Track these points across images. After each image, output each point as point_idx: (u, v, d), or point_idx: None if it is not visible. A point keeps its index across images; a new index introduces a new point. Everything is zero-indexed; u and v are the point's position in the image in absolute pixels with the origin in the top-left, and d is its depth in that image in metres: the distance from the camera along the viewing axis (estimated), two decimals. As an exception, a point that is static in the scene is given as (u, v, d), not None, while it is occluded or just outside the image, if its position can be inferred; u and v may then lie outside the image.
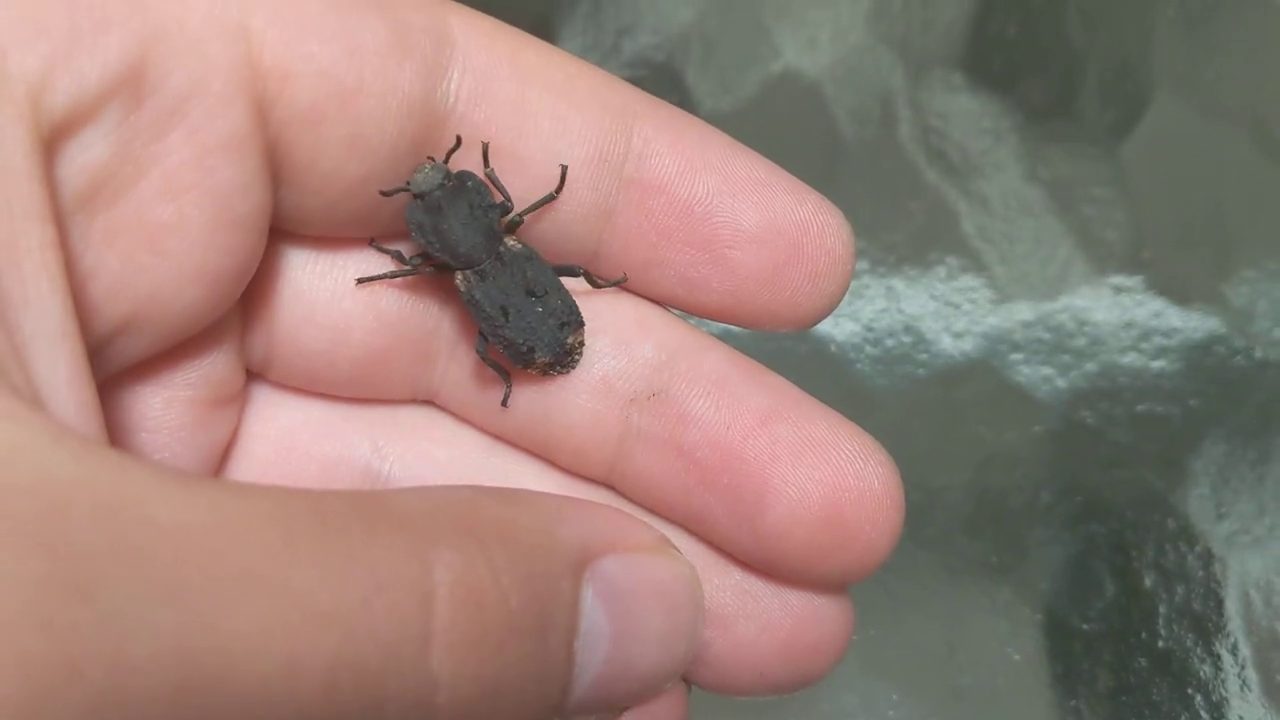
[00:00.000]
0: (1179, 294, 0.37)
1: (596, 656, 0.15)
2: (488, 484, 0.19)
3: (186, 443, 0.18)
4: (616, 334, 0.19)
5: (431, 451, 0.19)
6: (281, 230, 0.18)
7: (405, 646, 0.12)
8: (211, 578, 0.11)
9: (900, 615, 0.34)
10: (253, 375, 0.19)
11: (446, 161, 0.18)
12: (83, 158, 0.15)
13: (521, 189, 0.18)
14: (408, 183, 0.18)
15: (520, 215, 0.19)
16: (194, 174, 0.15)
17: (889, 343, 0.37)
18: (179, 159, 0.15)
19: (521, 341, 0.19)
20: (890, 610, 0.34)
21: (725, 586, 0.18)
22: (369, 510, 0.13)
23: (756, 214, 0.18)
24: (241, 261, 0.17)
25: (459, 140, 0.17)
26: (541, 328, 0.19)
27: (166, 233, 0.15)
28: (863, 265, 0.38)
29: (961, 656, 0.34)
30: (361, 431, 0.19)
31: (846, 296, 0.38)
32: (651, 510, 0.18)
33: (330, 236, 0.18)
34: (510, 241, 0.19)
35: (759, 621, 0.18)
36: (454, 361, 0.19)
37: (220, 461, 0.19)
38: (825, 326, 0.37)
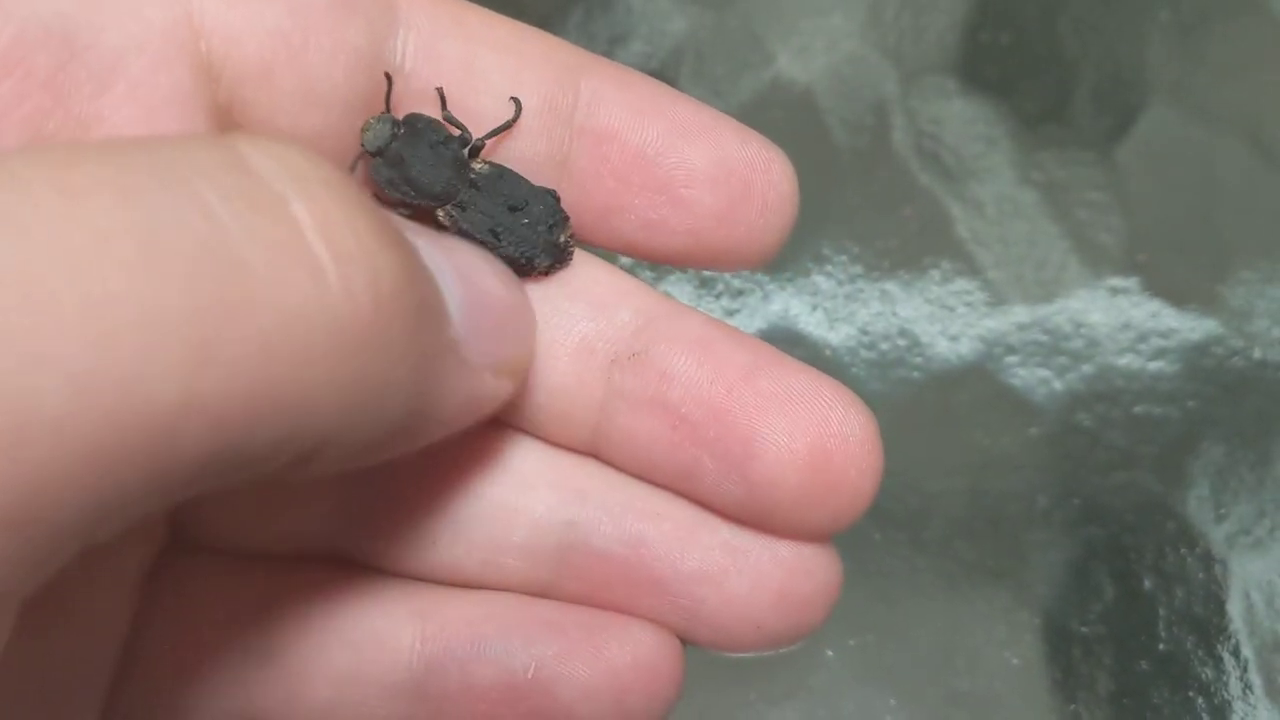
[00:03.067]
0: (1175, 296, 0.37)
1: (449, 277, 0.16)
2: (471, 463, 0.19)
3: None
4: (593, 300, 0.19)
5: None
6: None
7: (214, 162, 0.12)
8: None
9: (897, 620, 0.34)
10: None
11: (388, 110, 0.18)
12: (19, 111, 0.15)
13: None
14: (363, 145, 0.18)
15: (481, 140, 0.19)
16: (139, 132, 0.16)
17: (884, 347, 0.37)
18: (125, 116, 0.15)
19: (520, 255, 0.19)
20: (887, 615, 0.34)
21: (715, 545, 0.18)
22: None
23: (707, 154, 0.18)
24: None
25: (389, 78, 0.18)
26: (533, 236, 0.19)
27: None
28: (857, 270, 0.38)
29: (959, 661, 0.33)
30: None
31: (841, 300, 0.38)
32: (638, 474, 0.19)
33: None
34: (478, 166, 0.19)
35: (751, 576, 0.18)
36: None
37: None
38: (820, 331, 0.37)
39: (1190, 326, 0.37)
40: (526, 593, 0.18)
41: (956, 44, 0.41)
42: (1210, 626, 0.33)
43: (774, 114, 0.40)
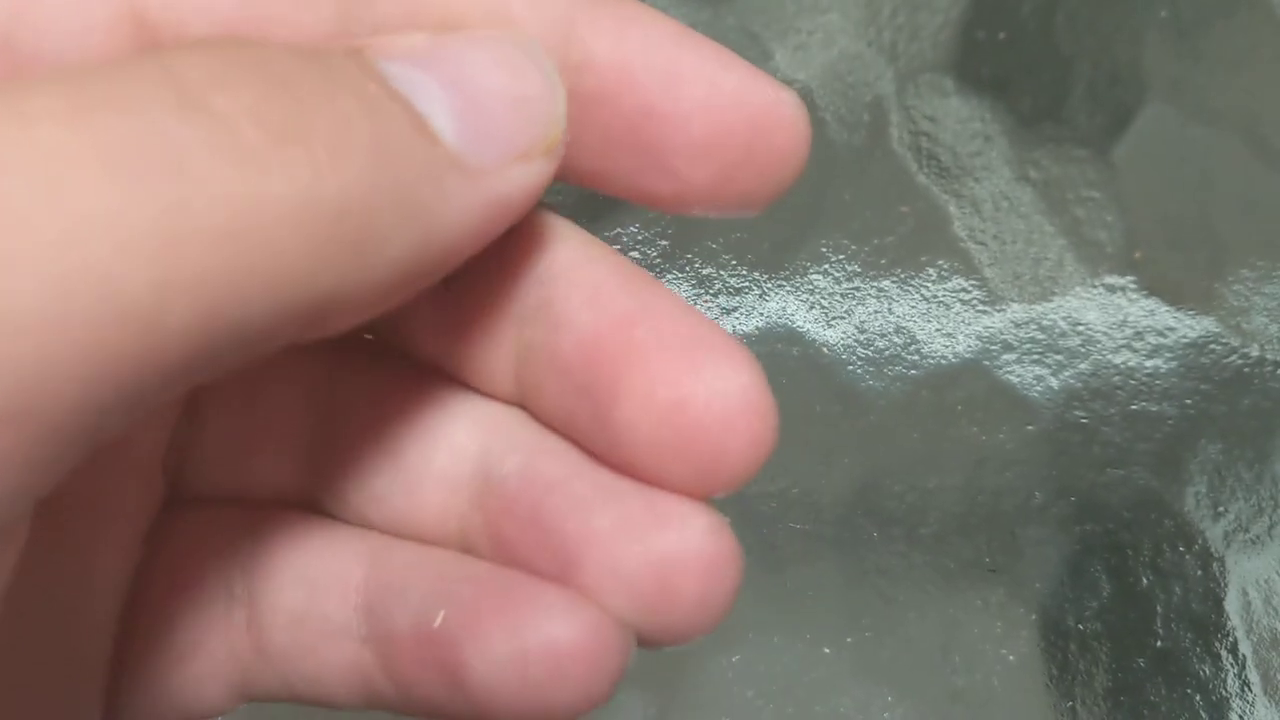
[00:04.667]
0: (1172, 294, 0.37)
1: (428, 89, 0.15)
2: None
3: None
4: (511, 249, 0.18)
5: None
6: None
7: (145, 77, 0.13)
8: None
9: (894, 617, 0.34)
10: None
11: None
12: None
13: None
14: None
15: None
16: None
17: (880, 344, 0.37)
18: None
19: None
20: (883, 612, 0.34)
21: (585, 494, 0.17)
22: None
23: (704, 122, 0.16)
24: None
25: None
26: None
27: None
28: (854, 268, 0.38)
29: (956, 658, 0.33)
30: None
31: (839, 298, 0.38)
32: (553, 426, 0.18)
33: None
34: None
35: (610, 519, 0.16)
36: None
37: None
38: (817, 328, 0.37)
39: (1187, 324, 0.37)
40: (450, 531, 0.18)
41: (953, 42, 0.41)
42: (1208, 624, 0.33)
43: (771, 112, 0.40)
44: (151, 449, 0.19)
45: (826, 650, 0.33)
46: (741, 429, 0.16)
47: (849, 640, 0.33)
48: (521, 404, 0.18)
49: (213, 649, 0.18)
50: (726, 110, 0.16)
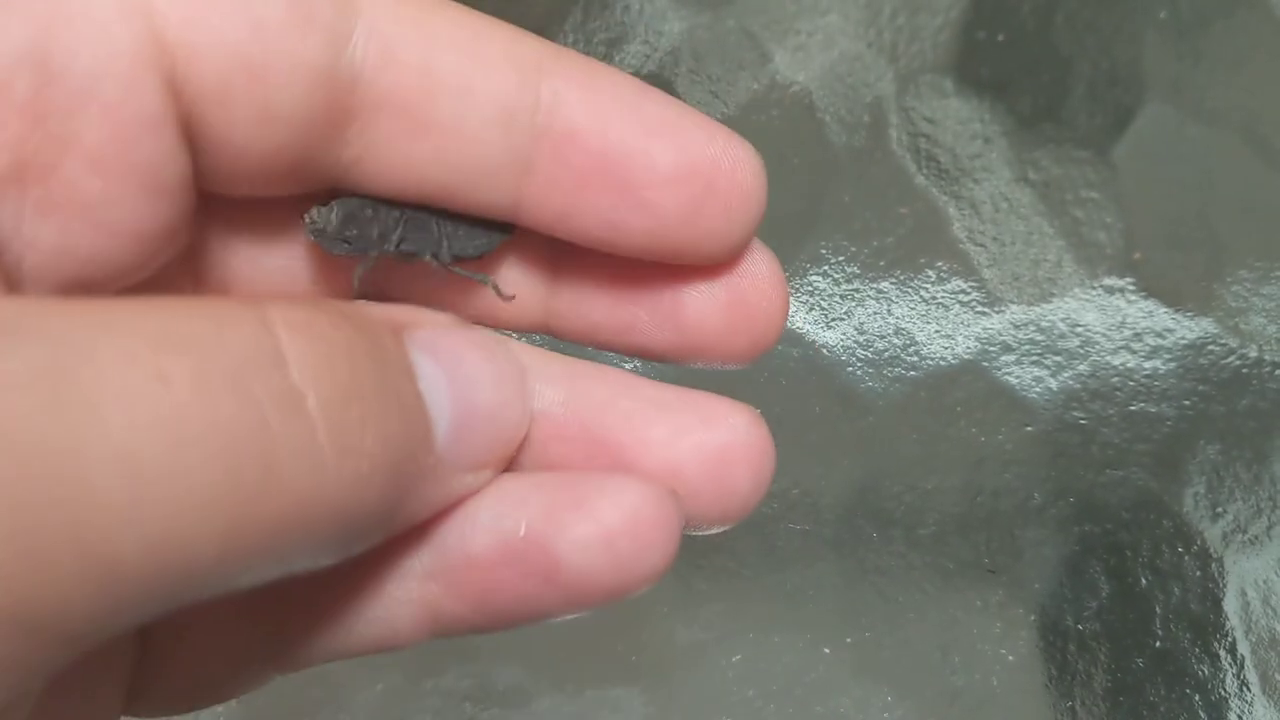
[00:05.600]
0: (1171, 295, 0.37)
1: (442, 397, 0.17)
2: None
3: None
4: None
5: None
6: (210, 193, 0.19)
7: (261, 358, 0.14)
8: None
9: (893, 617, 0.34)
10: None
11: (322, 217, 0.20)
12: (1, 137, 0.16)
13: (430, 150, 0.19)
14: (309, 234, 0.19)
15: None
16: (115, 150, 0.16)
17: (880, 345, 0.37)
18: (98, 136, 0.16)
19: (471, 250, 0.20)
20: (883, 612, 0.34)
21: (636, 404, 0.19)
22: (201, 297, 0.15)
23: (671, 155, 0.18)
24: (175, 220, 0.17)
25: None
26: (463, 222, 0.20)
27: (98, 204, 0.16)
28: (854, 269, 0.38)
29: (956, 658, 0.33)
30: None
31: (838, 300, 0.38)
32: (585, 338, 0.20)
33: (257, 196, 0.19)
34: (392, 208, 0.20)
35: (670, 426, 0.19)
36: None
37: None
38: (817, 330, 0.37)
39: (1186, 325, 0.37)
40: None
41: (952, 43, 0.41)
42: (1206, 624, 0.33)
43: (771, 114, 0.40)
44: None
45: (826, 650, 0.34)
46: (776, 299, 0.19)
47: (849, 640, 0.34)
48: (546, 329, 0.20)
49: (246, 632, 0.19)
50: (690, 147, 0.18)
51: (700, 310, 0.19)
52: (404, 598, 0.19)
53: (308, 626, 0.19)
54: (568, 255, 0.20)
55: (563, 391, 0.19)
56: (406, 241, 0.20)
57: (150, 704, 0.19)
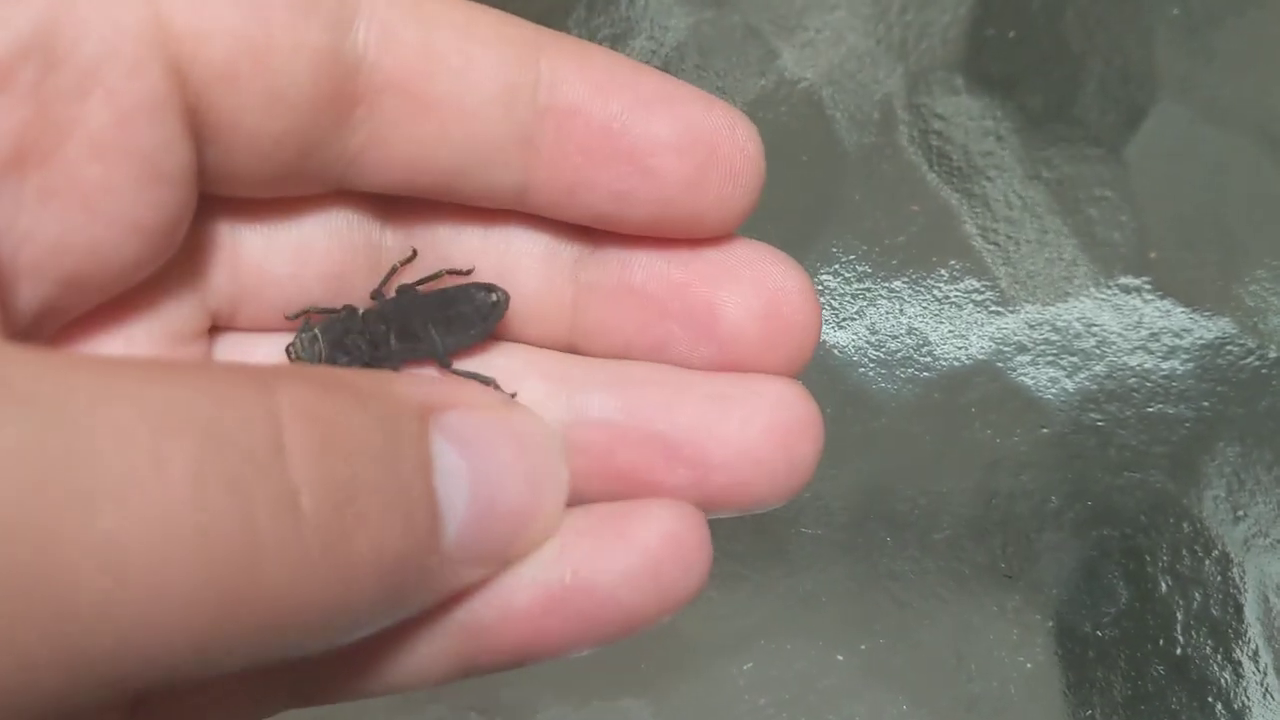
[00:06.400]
0: (1187, 294, 0.37)
1: (459, 494, 0.16)
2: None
3: None
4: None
5: None
6: (213, 195, 0.18)
7: (261, 452, 0.14)
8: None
9: (908, 623, 0.33)
10: (220, 328, 0.20)
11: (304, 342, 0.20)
12: (5, 124, 0.15)
13: (435, 131, 0.19)
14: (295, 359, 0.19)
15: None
16: (117, 135, 0.16)
17: (892, 345, 0.36)
18: (100, 121, 0.16)
19: (466, 340, 0.20)
20: (897, 618, 0.33)
21: (700, 396, 0.19)
22: (210, 365, 0.15)
23: (672, 123, 0.19)
24: (174, 214, 0.17)
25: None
26: (462, 295, 0.20)
27: (97, 193, 0.16)
28: (865, 269, 0.37)
29: (971, 664, 0.33)
30: None
31: (849, 299, 0.38)
32: (612, 354, 0.20)
33: (260, 197, 0.19)
34: (374, 304, 0.20)
35: (738, 414, 0.19)
36: (407, 269, 0.21)
37: None
38: (827, 330, 0.37)
39: (1203, 325, 0.36)
40: None
41: (962, 39, 0.40)
42: (1228, 630, 0.33)
43: (779, 110, 0.40)
44: None
45: (839, 657, 0.33)
46: (809, 310, 0.19)
47: (862, 646, 0.33)
48: (573, 346, 0.20)
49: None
50: (691, 116, 0.19)
51: (736, 323, 0.19)
52: (437, 651, 0.18)
53: (333, 673, 0.19)
54: (593, 269, 0.20)
55: (618, 397, 0.19)
56: (401, 351, 0.20)
57: None
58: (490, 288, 0.20)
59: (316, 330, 0.20)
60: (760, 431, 0.19)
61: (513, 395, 0.20)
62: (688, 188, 0.19)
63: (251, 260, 0.19)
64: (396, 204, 0.20)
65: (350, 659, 0.18)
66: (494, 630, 0.18)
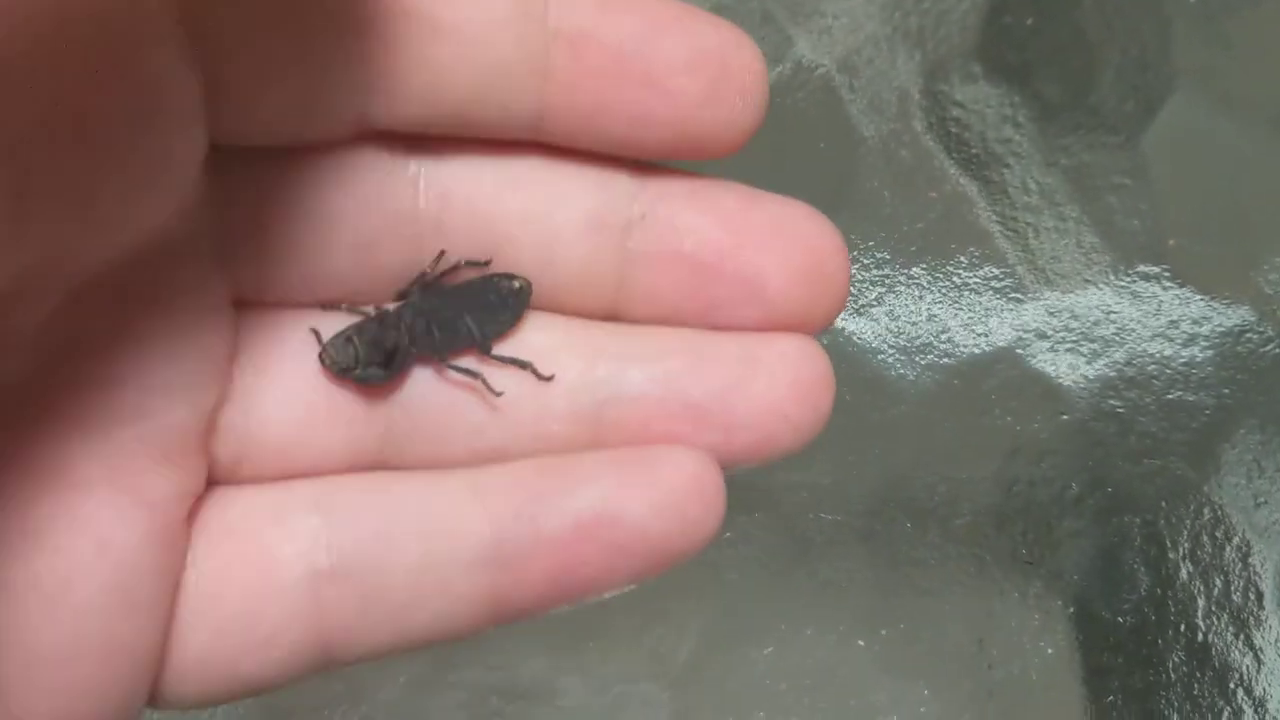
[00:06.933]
0: (1207, 282, 0.37)
1: None
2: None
3: None
4: (590, 175, 0.20)
5: None
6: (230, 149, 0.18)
7: None
8: None
9: (928, 609, 0.33)
10: (247, 301, 0.20)
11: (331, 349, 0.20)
12: None
13: (448, 55, 0.19)
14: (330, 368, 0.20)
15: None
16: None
17: (911, 332, 0.36)
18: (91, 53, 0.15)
19: (496, 329, 0.20)
20: (918, 604, 0.33)
21: (728, 360, 0.20)
22: None
23: (683, 43, 0.19)
24: (181, 155, 0.17)
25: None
26: (488, 286, 0.20)
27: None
28: (883, 255, 0.37)
29: (993, 651, 0.33)
30: None
31: (868, 286, 0.38)
32: (661, 322, 0.20)
33: (274, 144, 0.19)
34: (405, 304, 0.20)
35: (765, 373, 0.20)
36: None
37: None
38: (846, 317, 0.36)
39: (1223, 312, 0.36)
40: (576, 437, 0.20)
41: (979, 27, 0.40)
42: (1249, 616, 0.33)
43: (796, 97, 0.39)
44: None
45: (860, 643, 0.33)
46: (844, 264, 0.20)
47: (883, 633, 0.33)
48: (615, 314, 0.20)
49: (298, 631, 0.19)
50: (700, 35, 0.19)
51: (784, 284, 0.20)
52: (469, 587, 0.19)
53: (364, 620, 0.19)
54: (642, 238, 0.20)
55: (654, 369, 0.20)
56: (444, 342, 0.20)
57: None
58: (511, 276, 0.20)
59: (350, 333, 0.20)
60: (786, 388, 0.20)
61: (550, 378, 0.20)
62: (702, 106, 0.19)
63: (278, 230, 0.19)
64: (433, 173, 0.20)
65: (382, 606, 0.18)
66: (525, 559, 0.18)
